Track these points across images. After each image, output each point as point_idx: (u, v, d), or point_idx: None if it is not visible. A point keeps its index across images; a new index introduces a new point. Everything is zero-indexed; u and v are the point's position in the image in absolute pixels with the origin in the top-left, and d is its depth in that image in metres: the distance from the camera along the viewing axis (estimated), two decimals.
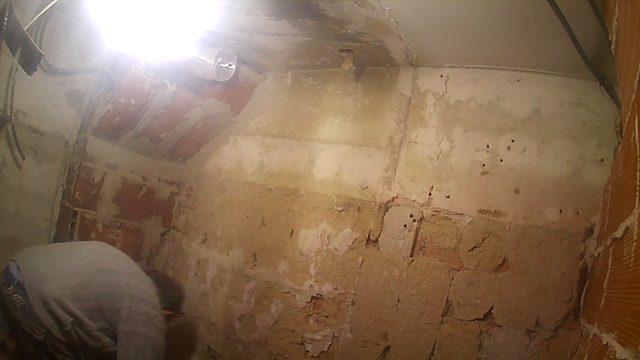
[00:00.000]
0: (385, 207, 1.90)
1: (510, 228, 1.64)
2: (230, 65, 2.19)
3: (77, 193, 2.23)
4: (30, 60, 1.70)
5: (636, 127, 0.76)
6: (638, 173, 0.73)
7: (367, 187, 1.98)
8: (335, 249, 1.99)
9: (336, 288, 1.95)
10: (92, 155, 2.26)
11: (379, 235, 1.89)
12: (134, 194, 2.44)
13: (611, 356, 0.74)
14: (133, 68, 2.08)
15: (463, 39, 1.63)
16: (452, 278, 1.70)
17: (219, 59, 2.13)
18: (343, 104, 2.16)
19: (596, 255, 1.37)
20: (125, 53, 2.11)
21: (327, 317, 1.95)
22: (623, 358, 0.66)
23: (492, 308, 1.61)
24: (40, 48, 1.73)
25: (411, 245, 1.81)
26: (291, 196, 2.18)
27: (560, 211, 1.58)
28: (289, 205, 2.18)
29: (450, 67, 1.88)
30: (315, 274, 2.02)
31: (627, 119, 0.92)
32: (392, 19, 1.58)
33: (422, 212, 1.82)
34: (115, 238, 2.38)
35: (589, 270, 1.46)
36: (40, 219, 2.26)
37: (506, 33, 1.49)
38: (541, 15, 1.26)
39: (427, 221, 1.81)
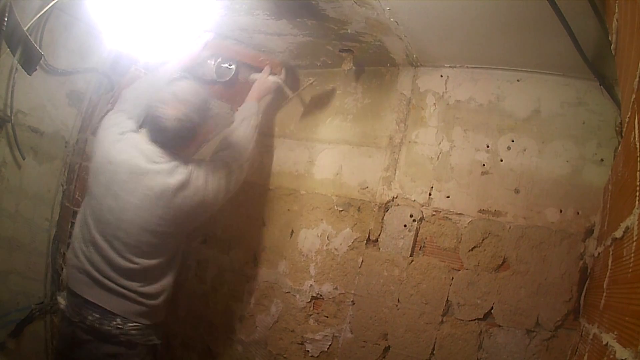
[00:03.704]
0: (385, 207, 1.90)
1: (510, 228, 1.64)
2: (230, 65, 2.19)
3: (77, 193, 2.23)
4: (30, 60, 1.70)
5: (636, 127, 0.76)
6: (638, 173, 0.73)
7: (367, 187, 1.98)
8: (335, 249, 1.99)
9: (336, 288, 1.95)
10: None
11: (379, 235, 1.89)
12: None
13: (611, 356, 0.74)
14: (133, 68, 2.08)
15: (463, 39, 1.63)
16: (452, 278, 1.70)
17: (219, 60, 2.12)
18: (343, 104, 2.16)
19: (596, 255, 1.37)
20: (125, 53, 2.11)
21: (327, 317, 1.95)
22: (623, 358, 0.66)
23: (492, 308, 1.61)
24: (40, 48, 1.73)
25: (411, 245, 1.81)
26: (291, 196, 2.19)
27: (560, 211, 1.58)
28: (289, 205, 2.18)
29: (450, 67, 1.88)
30: (315, 274, 2.02)
31: (627, 119, 0.92)
32: (392, 19, 1.58)
33: (422, 212, 1.82)
34: None
35: (589, 270, 1.46)
36: (40, 219, 2.26)
37: (506, 33, 1.49)
38: (541, 15, 1.26)
39: (427, 221, 1.81)
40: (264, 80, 2.13)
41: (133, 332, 1.66)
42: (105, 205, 1.61)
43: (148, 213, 1.61)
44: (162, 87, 1.69)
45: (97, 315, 1.62)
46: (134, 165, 1.60)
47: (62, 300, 1.71)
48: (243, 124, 1.94)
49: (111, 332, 1.62)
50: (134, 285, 1.65)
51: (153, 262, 1.68)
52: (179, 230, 1.76)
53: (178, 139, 1.67)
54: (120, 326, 1.63)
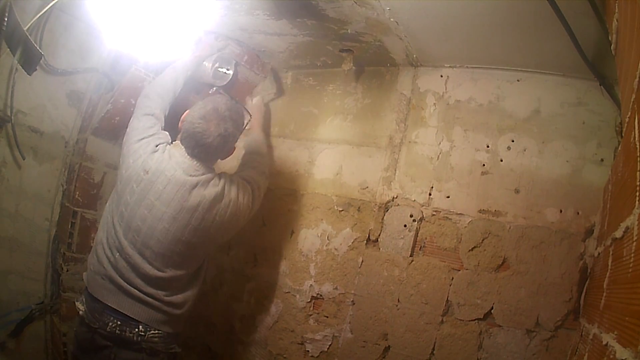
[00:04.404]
0: (385, 207, 1.90)
1: (510, 228, 1.64)
2: (227, 70, 2.18)
3: (77, 193, 2.23)
4: (30, 60, 1.70)
5: (636, 127, 0.76)
6: (638, 173, 0.73)
7: (367, 187, 1.98)
8: (335, 249, 1.99)
9: (336, 288, 1.95)
10: (92, 155, 2.26)
11: (379, 235, 1.89)
12: None
13: (611, 356, 0.74)
14: (133, 68, 2.08)
15: (463, 38, 1.63)
16: (452, 278, 1.70)
17: (217, 64, 2.12)
18: (343, 104, 2.16)
19: (596, 255, 1.37)
20: (125, 53, 2.11)
21: (327, 317, 1.95)
22: (623, 358, 0.66)
23: (492, 308, 1.61)
24: (40, 48, 1.73)
25: (411, 245, 1.81)
26: (291, 196, 2.18)
27: (560, 211, 1.58)
28: (289, 206, 2.18)
29: (450, 67, 1.88)
30: (315, 274, 2.02)
31: (627, 119, 0.92)
32: (392, 19, 1.58)
33: (422, 212, 1.82)
34: None
35: (589, 270, 1.46)
36: (40, 219, 2.26)
37: (506, 33, 1.49)
38: (541, 15, 1.26)
39: (427, 221, 1.81)
40: (257, 108, 2.24)
41: (155, 339, 1.64)
42: (138, 213, 1.59)
43: (183, 224, 1.60)
44: (196, 100, 1.74)
45: (119, 322, 1.60)
46: (172, 176, 1.60)
47: (80, 306, 1.68)
48: (259, 151, 2.03)
49: (132, 339, 1.61)
50: (160, 293, 1.64)
51: (181, 272, 1.68)
52: (210, 243, 1.77)
53: (218, 153, 1.70)
54: (142, 333, 1.62)
